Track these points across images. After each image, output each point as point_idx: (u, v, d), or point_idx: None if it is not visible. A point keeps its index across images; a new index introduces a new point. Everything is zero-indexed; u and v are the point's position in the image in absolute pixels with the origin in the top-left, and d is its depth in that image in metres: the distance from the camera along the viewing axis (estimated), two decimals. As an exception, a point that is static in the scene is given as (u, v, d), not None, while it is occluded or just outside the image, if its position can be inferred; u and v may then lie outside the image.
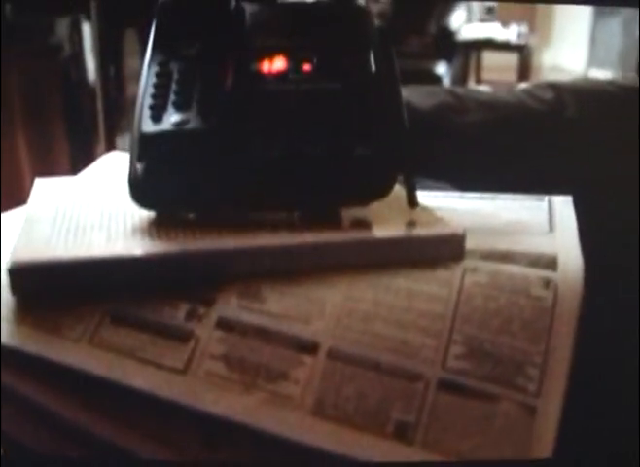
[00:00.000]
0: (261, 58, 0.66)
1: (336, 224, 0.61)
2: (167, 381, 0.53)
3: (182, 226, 0.60)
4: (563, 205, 0.72)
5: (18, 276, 0.56)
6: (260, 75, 0.65)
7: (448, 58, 5.13)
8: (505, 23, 5.61)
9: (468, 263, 0.60)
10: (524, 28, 5.41)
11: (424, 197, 0.69)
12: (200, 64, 0.64)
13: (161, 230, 0.60)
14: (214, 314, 0.55)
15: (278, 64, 0.66)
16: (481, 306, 0.56)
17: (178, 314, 0.55)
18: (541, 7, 8.09)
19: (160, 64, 0.64)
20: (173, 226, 0.60)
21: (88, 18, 4.54)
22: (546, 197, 0.73)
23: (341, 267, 0.58)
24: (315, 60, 0.66)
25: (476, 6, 6.50)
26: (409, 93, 1.28)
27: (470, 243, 0.61)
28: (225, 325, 0.55)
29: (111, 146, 1.73)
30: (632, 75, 1.49)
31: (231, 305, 0.56)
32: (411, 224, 0.63)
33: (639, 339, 0.70)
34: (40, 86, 3.24)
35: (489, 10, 5.86)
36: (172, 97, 0.61)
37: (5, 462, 0.55)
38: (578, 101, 1.28)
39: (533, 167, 1.22)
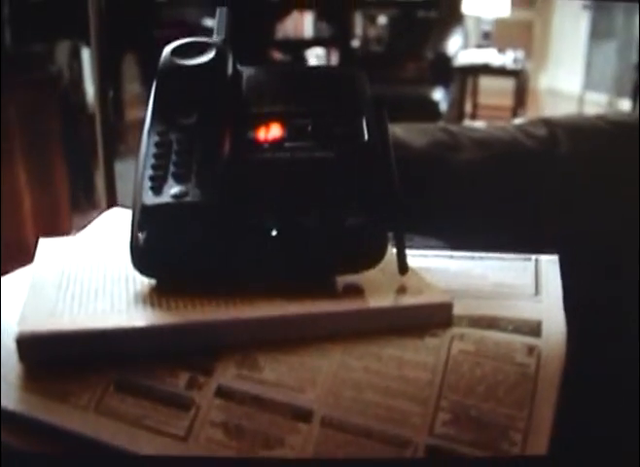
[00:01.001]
0: (257, 126, 0.68)
1: (329, 290, 0.64)
2: (170, 448, 0.55)
3: (182, 294, 0.63)
4: (549, 266, 0.74)
5: (26, 346, 0.58)
6: (256, 143, 0.68)
7: (445, 84, 5.15)
8: (501, 49, 5.65)
9: (455, 330, 0.62)
10: (520, 54, 5.45)
11: (415, 257, 0.72)
12: (199, 134, 0.66)
13: (162, 298, 0.63)
14: (213, 383, 0.58)
15: (274, 132, 0.68)
16: (468, 373, 0.59)
17: (179, 383, 0.58)
18: (537, 32, 8.16)
19: (159, 134, 0.67)
20: (173, 293, 0.63)
21: (88, 44, 4.57)
22: (533, 257, 0.76)
23: (335, 335, 0.61)
24: (310, 128, 0.69)
25: (472, 31, 6.55)
26: (404, 131, 1.31)
27: (458, 308, 0.64)
28: (224, 393, 0.58)
29: (110, 170, 1.75)
30: (623, 111, 1.50)
31: (229, 374, 0.59)
32: (402, 290, 0.66)
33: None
34: (39, 115, 3.27)
35: (486, 35, 5.91)
36: (172, 169, 0.64)
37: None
38: (570, 138, 1.31)
39: (527, 206, 1.24)
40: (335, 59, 7.46)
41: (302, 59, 7.43)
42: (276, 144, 0.68)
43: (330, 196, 0.65)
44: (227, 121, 0.68)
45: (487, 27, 5.93)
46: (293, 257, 0.63)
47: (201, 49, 0.72)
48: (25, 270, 0.75)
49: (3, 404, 0.56)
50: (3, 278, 0.74)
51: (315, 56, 7.52)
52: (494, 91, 5.78)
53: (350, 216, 0.63)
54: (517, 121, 1.47)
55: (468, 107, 5.71)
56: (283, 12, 7.36)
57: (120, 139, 5.18)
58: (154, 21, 5.64)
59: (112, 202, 1.77)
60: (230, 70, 0.72)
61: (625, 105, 5.83)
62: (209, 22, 6.04)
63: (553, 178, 1.26)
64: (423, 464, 0.56)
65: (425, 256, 0.77)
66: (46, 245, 0.77)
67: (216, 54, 0.71)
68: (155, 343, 0.59)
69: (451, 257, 0.78)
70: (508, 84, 5.48)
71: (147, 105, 0.71)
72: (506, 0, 5.98)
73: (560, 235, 1.19)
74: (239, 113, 0.70)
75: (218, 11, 0.82)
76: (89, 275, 0.68)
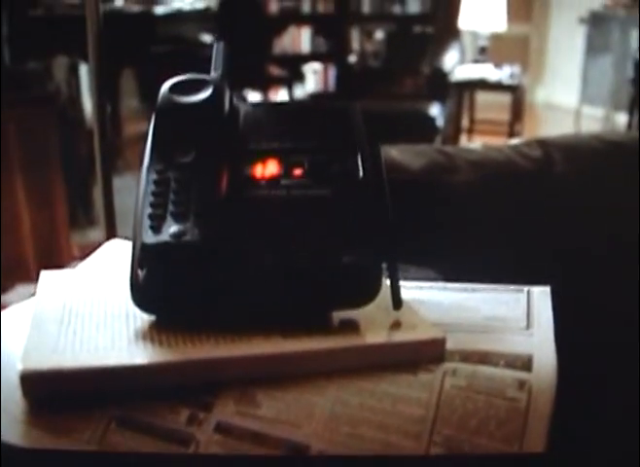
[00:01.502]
0: (254, 162, 0.70)
1: (325, 326, 0.66)
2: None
3: (181, 330, 0.64)
4: (541, 298, 0.76)
5: (30, 382, 0.60)
6: (253, 180, 0.69)
7: (442, 100, 5.18)
8: (497, 64, 5.67)
9: (448, 365, 0.64)
10: (517, 69, 5.48)
11: (409, 289, 0.74)
12: (196, 172, 0.67)
13: (162, 334, 0.64)
14: (213, 419, 0.60)
15: (271, 169, 0.70)
16: (460, 408, 0.61)
17: (179, 419, 0.60)
18: (534, 46, 8.20)
19: (157, 172, 0.68)
20: (173, 330, 0.64)
21: (85, 59, 4.58)
22: (525, 289, 0.78)
23: (330, 371, 0.62)
24: (306, 165, 0.70)
25: (468, 47, 6.58)
26: (400, 154, 1.32)
27: (451, 343, 0.66)
28: (223, 429, 0.59)
29: (108, 186, 1.76)
30: (618, 131, 1.51)
31: (228, 411, 0.60)
32: (396, 326, 0.67)
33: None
34: (38, 133, 3.29)
35: (482, 50, 5.93)
36: (170, 207, 0.65)
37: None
38: (566, 158, 1.32)
39: (523, 228, 1.25)
40: (332, 74, 7.50)
41: (300, 74, 7.46)
42: (273, 181, 0.69)
43: (325, 233, 0.66)
44: (224, 158, 0.69)
45: (484, 42, 5.96)
46: (289, 294, 0.65)
47: (199, 86, 0.73)
48: (27, 303, 0.76)
49: (5, 438, 0.58)
50: (4, 311, 0.76)
51: (312, 71, 7.56)
52: (491, 106, 5.81)
53: (345, 254, 0.65)
54: (513, 141, 1.47)
55: (465, 122, 5.73)
56: (280, 27, 7.40)
57: (118, 155, 5.20)
58: (151, 37, 5.66)
59: (110, 218, 1.78)
60: (227, 107, 0.73)
61: (622, 119, 5.86)
62: (206, 38, 6.07)
63: (549, 199, 1.27)
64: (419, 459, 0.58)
65: (420, 288, 0.78)
66: (47, 278, 0.78)
67: (213, 92, 0.72)
68: (155, 380, 0.61)
69: (445, 288, 0.79)
70: (505, 98, 5.51)
71: (145, 141, 0.72)
72: (502, 15, 5.99)
73: (556, 256, 1.21)
74: (236, 149, 0.71)
75: (215, 45, 0.82)
76: (90, 310, 0.70)
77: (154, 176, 0.68)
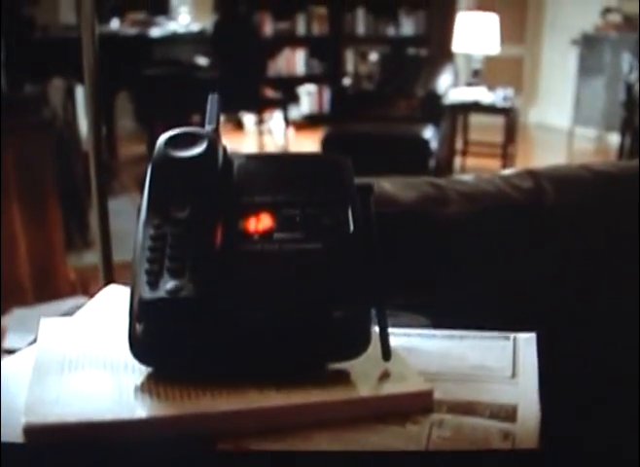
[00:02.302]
0: (248, 216, 0.72)
1: (317, 378, 0.68)
2: None
3: (178, 382, 0.66)
4: (527, 345, 0.78)
5: (31, 435, 0.62)
6: (247, 234, 0.71)
7: (436, 122, 5.20)
8: (491, 87, 5.71)
9: (435, 416, 0.66)
10: (510, 92, 5.51)
11: (398, 336, 0.76)
12: (192, 228, 0.69)
13: (159, 387, 0.66)
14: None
15: (264, 222, 0.72)
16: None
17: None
18: (527, 68, 8.26)
19: (154, 227, 0.70)
20: (170, 382, 0.67)
21: (82, 82, 4.60)
22: (511, 336, 0.80)
23: (322, 422, 0.65)
24: (298, 218, 0.72)
25: (462, 69, 6.63)
26: (392, 186, 1.32)
27: (438, 393, 0.68)
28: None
29: (103, 208, 1.77)
30: (607, 161, 1.52)
31: (224, 463, 0.62)
32: (385, 377, 0.70)
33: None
34: (35, 159, 3.31)
35: (475, 73, 5.97)
36: (167, 263, 0.67)
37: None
38: (556, 189, 1.33)
39: (514, 261, 1.27)
40: (326, 96, 7.55)
41: (295, 96, 7.51)
42: (266, 236, 0.71)
43: (317, 288, 0.68)
44: (218, 213, 0.71)
45: (477, 65, 6.01)
46: (282, 348, 0.67)
47: (194, 140, 0.75)
48: (27, 351, 0.78)
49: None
50: (5, 359, 0.78)
51: (307, 93, 7.61)
52: (485, 128, 5.85)
53: (336, 308, 0.67)
54: (505, 171, 1.48)
55: (459, 144, 5.76)
56: (275, 49, 7.45)
57: (113, 176, 5.23)
58: (146, 60, 5.69)
59: (106, 240, 1.80)
60: (221, 161, 0.74)
61: (615, 138, 5.89)
62: (201, 61, 6.11)
63: (540, 232, 1.29)
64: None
65: (408, 335, 0.81)
66: (47, 326, 0.80)
67: (207, 147, 0.74)
68: (153, 433, 0.63)
69: (433, 336, 0.81)
70: (498, 120, 5.54)
71: (142, 194, 0.74)
72: (495, 38, 6.05)
73: (548, 287, 1.23)
74: (231, 203, 0.73)
75: (210, 98, 0.83)
76: (90, 361, 0.72)
77: (150, 231, 0.70)
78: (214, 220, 0.70)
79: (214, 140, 0.75)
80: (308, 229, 0.71)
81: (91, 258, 3.61)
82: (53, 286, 3.34)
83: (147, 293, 0.66)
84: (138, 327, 0.67)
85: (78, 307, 0.91)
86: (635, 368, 0.93)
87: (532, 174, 1.39)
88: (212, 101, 0.83)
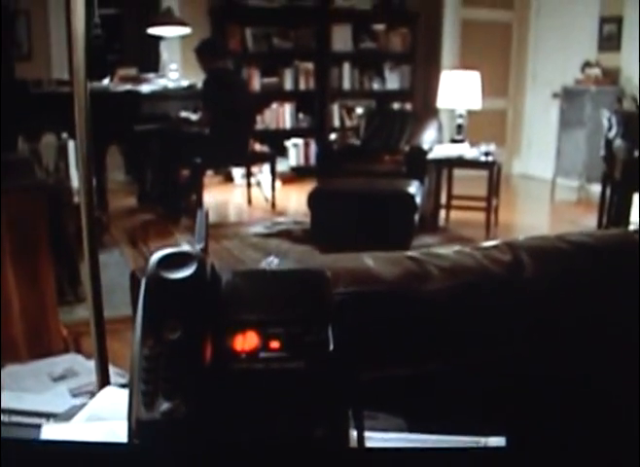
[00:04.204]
0: (235, 334, 0.75)
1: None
2: None
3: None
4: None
5: None
6: (235, 353, 0.74)
7: (420, 177, 5.29)
8: (474, 142, 5.82)
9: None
10: (492, 147, 5.62)
11: (375, 440, 0.80)
12: (183, 349, 0.73)
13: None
14: None
15: (251, 341, 0.75)
16: None
17: None
18: (510, 120, 8.41)
19: (148, 347, 0.74)
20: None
21: (73, 137, 4.67)
22: (482, 441, 0.82)
23: None
24: (282, 337, 0.75)
25: (446, 125, 6.76)
26: (375, 263, 1.36)
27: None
28: None
29: (94, 262, 1.80)
30: (583, 232, 1.57)
31: None
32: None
33: None
34: (28, 220, 3.38)
35: (459, 127, 6.09)
36: (161, 384, 0.71)
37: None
38: (534, 262, 1.37)
39: (497, 335, 1.29)
40: (313, 148, 7.67)
41: (282, 149, 7.61)
42: (252, 354, 0.74)
43: (298, 407, 0.72)
44: (207, 332, 0.75)
45: (461, 120, 6.13)
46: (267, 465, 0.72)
47: (184, 260, 0.78)
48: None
49: None
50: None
51: (293, 145, 7.73)
52: (469, 180, 5.92)
53: (317, 426, 0.71)
54: (484, 244, 1.52)
55: (443, 197, 5.83)
56: (263, 103, 7.57)
57: (104, 230, 5.28)
58: (136, 115, 5.77)
59: (97, 296, 1.82)
60: (209, 281, 0.78)
61: (597, 189, 5.98)
62: (191, 116, 6.19)
63: (520, 304, 1.32)
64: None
65: (384, 440, 0.83)
66: (48, 432, 0.84)
67: (197, 268, 0.77)
68: None
69: (408, 440, 0.84)
70: (482, 172, 5.60)
71: (136, 315, 0.77)
72: (477, 95, 6.20)
73: (529, 359, 1.28)
74: (219, 321, 0.76)
75: (199, 214, 0.88)
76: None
77: (145, 351, 0.73)
78: (203, 340, 0.74)
79: (204, 261, 0.78)
80: (292, 347, 0.74)
81: (83, 312, 3.67)
82: (45, 342, 3.39)
83: (143, 414, 0.70)
84: (135, 441, 0.71)
85: (71, 369, 0.94)
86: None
87: (511, 247, 1.42)
88: (201, 217, 0.87)
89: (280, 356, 0.74)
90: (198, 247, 0.83)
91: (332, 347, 0.75)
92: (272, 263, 1.28)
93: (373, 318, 1.26)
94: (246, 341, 0.75)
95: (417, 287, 1.31)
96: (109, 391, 0.99)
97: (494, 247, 1.44)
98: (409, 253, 1.43)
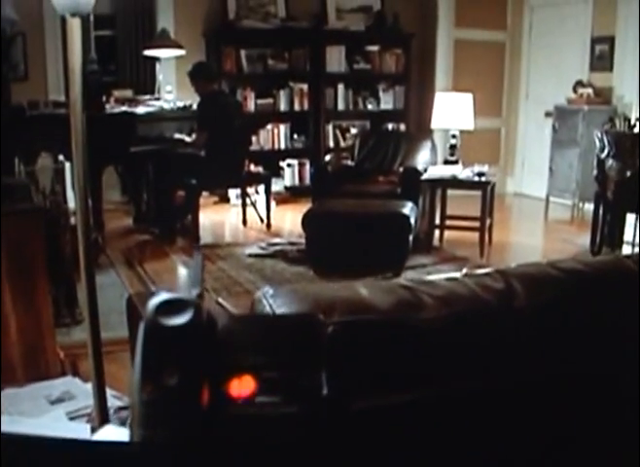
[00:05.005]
0: (232, 379, 0.78)
1: None
2: None
3: None
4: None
5: None
6: (231, 398, 0.77)
7: (415, 198, 5.31)
8: (468, 163, 5.85)
9: None
10: (486, 167, 5.65)
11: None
12: (182, 394, 0.76)
13: None
14: None
15: (246, 385, 0.78)
16: None
17: None
18: (504, 139, 8.46)
19: (147, 393, 0.76)
20: None
21: (70, 158, 4.69)
22: None
23: None
24: (277, 382, 0.78)
25: (440, 145, 6.80)
26: (369, 292, 1.36)
27: None
28: None
29: (91, 284, 1.82)
30: (573, 259, 1.57)
31: None
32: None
33: None
34: (24, 243, 3.40)
35: (452, 148, 6.12)
36: (160, 429, 0.74)
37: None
38: (526, 289, 1.37)
39: (490, 363, 1.30)
40: (308, 168, 7.70)
41: (278, 169, 7.65)
42: (248, 399, 0.77)
43: (293, 454, 0.75)
44: (205, 377, 0.77)
45: (454, 141, 6.17)
46: None
47: (181, 306, 0.80)
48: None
49: None
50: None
51: (288, 165, 7.76)
52: (463, 200, 5.95)
53: None
54: (476, 272, 1.52)
55: (437, 218, 5.85)
56: (258, 124, 7.60)
57: (100, 251, 5.29)
58: (132, 137, 5.80)
59: (94, 318, 1.83)
60: (205, 326, 0.80)
61: (590, 207, 5.99)
62: (187, 139, 6.23)
63: (512, 332, 1.32)
64: None
65: None
66: None
67: (194, 315, 0.79)
68: None
69: None
70: (476, 192, 5.61)
71: (134, 358, 0.80)
72: (470, 116, 6.26)
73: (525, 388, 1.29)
74: (216, 366, 0.79)
75: (194, 258, 0.92)
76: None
77: (144, 397, 0.76)
78: (201, 385, 0.76)
79: (200, 308, 0.80)
80: (286, 392, 0.77)
81: (80, 334, 3.68)
82: (42, 365, 3.41)
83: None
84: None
85: (68, 392, 0.95)
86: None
87: (503, 274, 1.42)
88: (196, 262, 0.90)
89: (274, 401, 0.76)
90: (194, 292, 0.86)
91: (325, 392, 0.78)
92: (267, 293, 1.30)
93: (367, 347, 1.27)
94: (242, 386, 0.77)
95: (411, 316, 1.31)
96: (108, 430, 1.01)
97: (487, 275, 1.45)
98: (403, 282, 1.43)
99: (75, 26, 1.60)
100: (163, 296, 0.80)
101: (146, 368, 0.78)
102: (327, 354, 0.82)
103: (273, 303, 1.23)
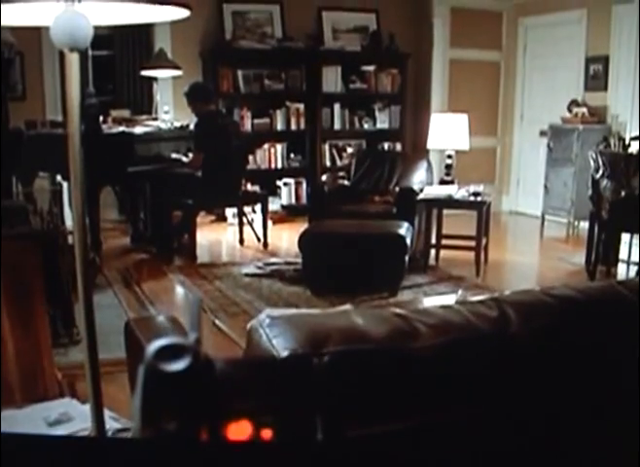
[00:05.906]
0: (229, 424, 0.79)
1: None
2: None
3: None
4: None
5: None
6: (229, 443, 0.78)
7: (410, 219, 5.34)
8: (463, 183, 5.88)
9: None
10: (481, 187, 5.69)
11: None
12: (181, 440, 0.77)
13: None
14: None
15: (243, 430, 0.79)
16: None
17: None
18: (500, 158, 8.51)
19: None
20: None
21: (67, 178, 4.72)
22: None
23: None
24: (273, 428, 0.79)
25: (435, 164, 6.84)
26: (363, 320, 1.37)
27: None
28: None
29: (89, 303, 1.83)
30: (567, 286, 1.58)
31: None
32: None
33: None
34: (22, 266, 3.42)
35: (448, 167, 6.16)
36: None
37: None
38: (520, 316, 1.38)
39: (485, 392, 1.31)
40: (304, 187, 7.73)
41: (274, 188, 7.68)
42: (245, 444, 0.78)
43: None
44: (203, 423, 0.78)
45: (450, 161, 6.22)
46: None
47: (179, 351, 0.81)
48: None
49: None
50: None
51: (285, 184, 7.79)
52: (459, 219, 5.98)
53: None
54: (471, 299, 1.53)
55: (432, 237, 5.88)
56: (255, 144, 7.63)
57: (98, 271, 5.30)
58: (130, 157, 5.81)
59: (92, 338, 1.83)
60: (203, 371, 0.81)
61: (586, 226, 6.02)
62: (184, 159, 6.24)
63: (506, 360, 1.34)
64: None
65: None
66: None
67: (192, 360, 0.80)
68: None
69: None
70: (471, 212, 5.64)
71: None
72: (465, 136, 6.31)
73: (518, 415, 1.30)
74: (213, 411, 0.80)
75: (192, 301, 0.93)
76: None
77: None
78: (199, 431, 0.78)
79: (198, 353, 0.81)
80: (281, 438, 0.78)
81: (77, 355, 3.70)
82: (40, 386, 3.42)
83: None
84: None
85: (66, 414, 0.97)
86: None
87: (497, 302, 1.43)
88: (194, 305, 0.91)
89: (270, 447, 0.77)
90: (192, 337, 0.85)
91: (320, 437, 0.80)
92: (264, 322, 1.32)
93: (362, 376, 1.29)
94: (239, 431, 0.78)
95: (406, 345, 1.32)
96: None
97: (481, 303, 1.46)
98: (397, 310, 1.43)
99: (74, 61, 1.62)
100: (162, 341, 0.81)
101: (145, 412, 0.79)
102: (322, 385, 0.84)
103: (270, 332, 1.25)
